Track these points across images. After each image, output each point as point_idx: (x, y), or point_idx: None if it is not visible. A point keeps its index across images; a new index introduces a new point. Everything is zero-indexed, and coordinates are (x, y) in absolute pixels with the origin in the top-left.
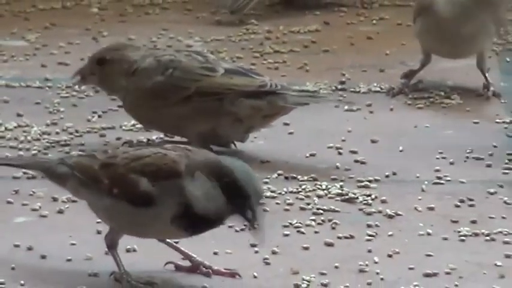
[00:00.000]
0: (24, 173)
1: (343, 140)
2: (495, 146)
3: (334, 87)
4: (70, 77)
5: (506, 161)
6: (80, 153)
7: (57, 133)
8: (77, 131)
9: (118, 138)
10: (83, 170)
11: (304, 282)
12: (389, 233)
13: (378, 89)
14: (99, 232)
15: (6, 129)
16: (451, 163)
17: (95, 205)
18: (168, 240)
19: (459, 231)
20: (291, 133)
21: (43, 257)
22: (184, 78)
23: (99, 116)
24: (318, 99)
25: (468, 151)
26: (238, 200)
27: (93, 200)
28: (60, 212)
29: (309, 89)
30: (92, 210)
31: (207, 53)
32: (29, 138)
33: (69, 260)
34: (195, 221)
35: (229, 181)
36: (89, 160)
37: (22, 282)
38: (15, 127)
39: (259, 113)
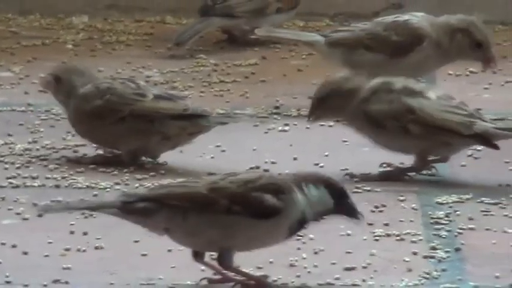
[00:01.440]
0: (10, 182)
1: (278, 156)
2: (402, 163)
3: (270, 111)
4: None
5: (413, 173)
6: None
7: (37, 149)
8: (54, 148)
9: (85, 154)
10: (186, 198)
11: None
12: (316, 233)
13: (307, 112)
14: (72, 232)
15: None
16: (391, 176)
17: (205, 228)
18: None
19: (374, 232)
20: (235, 150)
21: (25, 253)
22: (119, 102)
23: (73, 135)
24: (235, 119)
25: (383, 165)
26: (343, 200)
27: (201, 223)
28: (40, 215)
29: (228, 112)
30: (191, 234)
31: (138, 81)
32: (13, 153)
33: (46, 256)
34: (301, 225)
35: (333, 186)
36: (185, 188)
37: (7, 274)
38: (2, 144)
39: (185, 131)
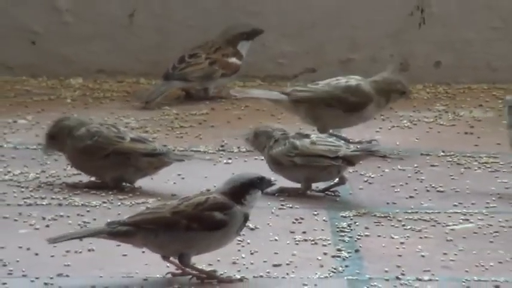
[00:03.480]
0: (25, 201)
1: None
2: (317, 187)
3: (217, 149)
4: (42, 153)
5: (324, 194)
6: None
7: (45, 177)
8: (58, 176)
9: (80, 180)
10: (156, 222)
11: None
12: (252, 239)
13: (244, 149)
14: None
15: (14, 174)
16: (289, 196)
17: (171, 242)
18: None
19: (295, 238)
20: (192, 178)
21: (36, 254)
22: (105, 142)
23: (71, 167)
24: (188, 157)
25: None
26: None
27: (168, 239)
28: (47, 226)
29: (185, 151)
30: (161, 247)
31: (119, 126)
32: (27, 180)
33: (52, 256)
34: (246, 222)
35: (258, 183)
36: (154, 214)
37: (23, 269)
38: (19, 173)
39: (152, 165)
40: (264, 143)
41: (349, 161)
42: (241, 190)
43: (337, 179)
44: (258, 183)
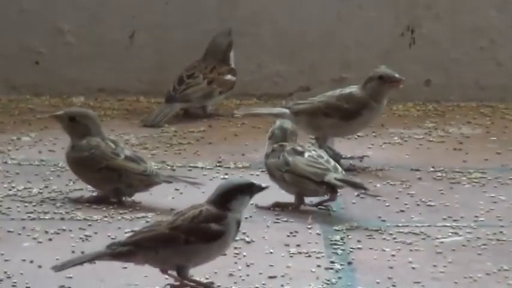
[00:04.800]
0: (28, 216)
1: None
2: (311, 201)
3: (214, 165)
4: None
5: (315, 209)
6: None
7: (48, 192)
8: (60, 191)
9: (82, 195)
10: (155, 239)
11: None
12: (248, 251)
13: (241, 165)
14: (73, 251)
15: (17, 189)
16: (283, 210)
17: (171, 257)
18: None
19: (289, 251)
20: (189, 193)
21: (39, 266)
22: (100, 157)
23: (73, 182)
24: (176, 180)
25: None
26: (253, 189)
27: (168, 254)
28: (50, 239)
29: (173, 173)
30: (162, 262)
31: (119, 143)
32: (31, 195)
33: None
34: (239, 225)
35: (244, 188)
36: (153, 232)
37: (27, 281)
38: (23, 189)
39: (142, 183)
40: (270, 142)
41: (333, 187)
42: (227, 196)
43: (327, 196)
44: (246, 189)
